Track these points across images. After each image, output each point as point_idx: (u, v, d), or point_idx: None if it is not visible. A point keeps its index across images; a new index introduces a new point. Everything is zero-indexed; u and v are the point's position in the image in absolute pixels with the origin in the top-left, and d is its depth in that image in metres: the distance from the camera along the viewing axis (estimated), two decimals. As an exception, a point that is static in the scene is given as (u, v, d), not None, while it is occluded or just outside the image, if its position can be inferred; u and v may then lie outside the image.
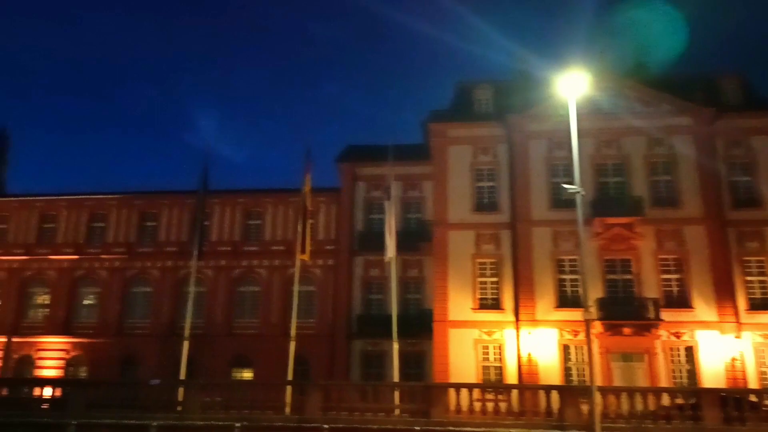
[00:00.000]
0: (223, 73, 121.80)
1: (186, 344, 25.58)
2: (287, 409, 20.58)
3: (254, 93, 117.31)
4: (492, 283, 31.96)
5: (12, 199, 41.20)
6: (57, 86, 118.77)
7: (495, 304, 31.47)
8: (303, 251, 26.12)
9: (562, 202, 30.31)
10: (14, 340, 34.43)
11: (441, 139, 34.47)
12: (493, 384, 29.34)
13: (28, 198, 40.46)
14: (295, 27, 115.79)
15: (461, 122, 34.72)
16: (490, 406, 20.03)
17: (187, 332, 26.10)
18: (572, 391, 20.93)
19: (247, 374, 34.53)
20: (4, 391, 23.73)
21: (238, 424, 19.60)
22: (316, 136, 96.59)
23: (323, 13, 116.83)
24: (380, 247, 26.86)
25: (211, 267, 36.40)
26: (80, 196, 39.69)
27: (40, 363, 36.46)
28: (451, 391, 20.12)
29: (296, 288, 26.38)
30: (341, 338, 34.56)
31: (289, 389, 21.29)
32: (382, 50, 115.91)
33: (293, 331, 24.82)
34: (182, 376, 25.14)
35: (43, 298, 38.81)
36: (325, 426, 19.30)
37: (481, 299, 31.67)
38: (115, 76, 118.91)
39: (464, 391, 20.16)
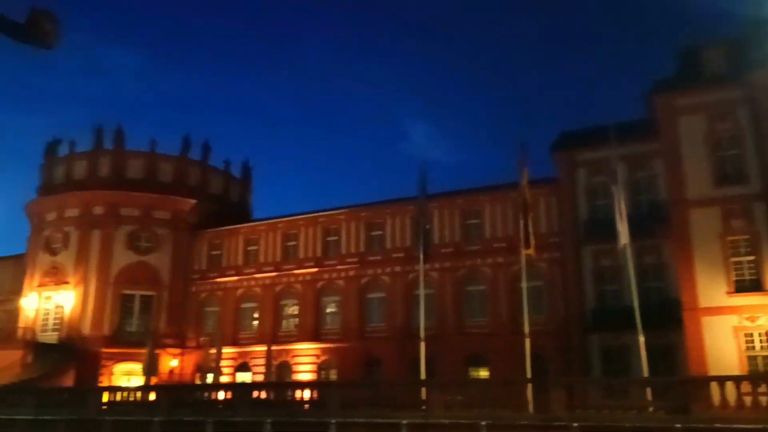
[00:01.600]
0: (425, 79, 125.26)
1: (422, 345, 26.42)
2: (530, 408, 20.17)
3: (458, 95, 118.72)
4: (748, 262, 28.29)
5: (259, 223, 46.32)
6: (280, 115, 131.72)
7: (755, 286, 27.77)
8: (527, 246, 25.55)
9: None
10: (273, 348, 38.43)
11: (669, 111, 31.41)
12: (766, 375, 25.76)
13: (272, 220, 45.10)
14: (489, 23, 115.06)
15: (691, 89, 31.36)
16: (763, 400, 17.63)
17: (422, 333, 26.96)
18: None
19: (483, 373, 34.62)
20: (271, 394, 26.65)
21: (483, 423, 19.63)
22: (527, 128, 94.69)
23: (518, 8, 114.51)
24: (609, 235, 25.23)
25: (437, 269, 37.21)
26: (315, 214, 43.27)
27: (296, 368, 40.33)
28: (714, 385, 18.10)
29: (524, 284, 25.85)
30: (576, 333, 33.09)
31: (530, 387, 20.86)
32: (583, 33, 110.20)
33: (527, 328, 24.31)
34: (422, 375, 25.96)
35: (293, 309, 42.93)
36: (575, 424, 18.51)
37: (737, 282, 28.18)
38: (329, 97, 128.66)
39: (730, 385, 18.01)
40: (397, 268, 39.04)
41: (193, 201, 46.74)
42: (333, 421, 22.26)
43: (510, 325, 33.71)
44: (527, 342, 23.95)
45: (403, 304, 38.34)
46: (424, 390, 22.99)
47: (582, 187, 34.92)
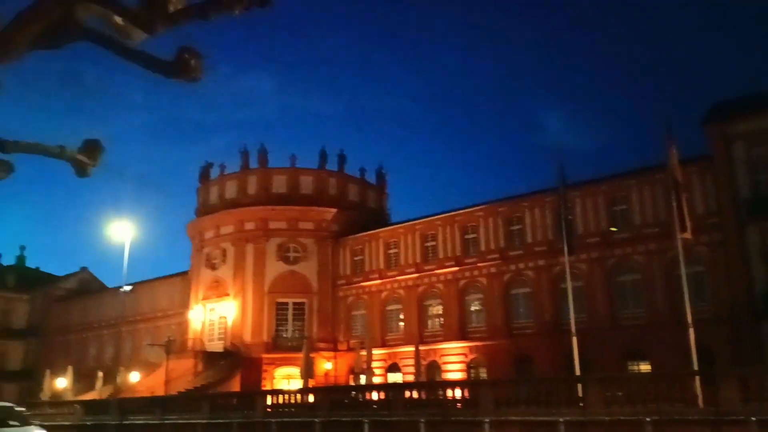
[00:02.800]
0: (555, 67, 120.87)
1: (575, 340, 25.45)
2: (699, 402, 18.72)
3: (592, 79, 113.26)
4: None
5: (398, 226, 47.12)
6: (412, 119, 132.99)
7: None
8: (683, 229, 23.76)
9: None
10: (421, 348, 38.84)
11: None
12: None
13: (410, 223, 45.69)
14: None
15: None
16: None
17: (572, 328, 25.98)
18: None
19: (644, 367, 32.66)
20: (423, 394, 26.91)
21: (648, 419, 18.49)
22: (670, 105, 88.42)
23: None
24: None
25: (583, 260, 35.71)
26: (452, 213, 43.23)
27: (445, 367, 40.47)
28: None
29: (683, 270, 24.07)
30: (745, 321, 30.31)
31: (697, 380, 19.37)
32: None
33: (689, 318, 22.63)
34: (576, 371, 25.00)
35: (437, 309, 43.15)
36: (753, 419, 16.91)
37: None
38: (460, 96, 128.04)
39: None
40: (541, 262, 37.97)
41: (334, 210, 48.55)
42: (486, 419, 22.00)
43: (669, 316, 31.54)
44: (691, 332, 22.27)
45: (550, 299, 37.20)
46: (580, 386, 22.10)
47: (740, 162, 31.95)
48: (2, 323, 68.17)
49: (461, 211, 42.80)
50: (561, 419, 20.20)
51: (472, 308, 41.65)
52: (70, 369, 51.05)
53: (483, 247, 41.09)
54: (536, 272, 38.39)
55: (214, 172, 52.77)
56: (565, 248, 27.40)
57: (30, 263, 76.72)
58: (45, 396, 47.40)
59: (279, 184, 49.81)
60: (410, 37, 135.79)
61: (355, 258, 47.62)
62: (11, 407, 19.75)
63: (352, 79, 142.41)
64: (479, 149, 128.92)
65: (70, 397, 45.27)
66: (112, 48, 3.52)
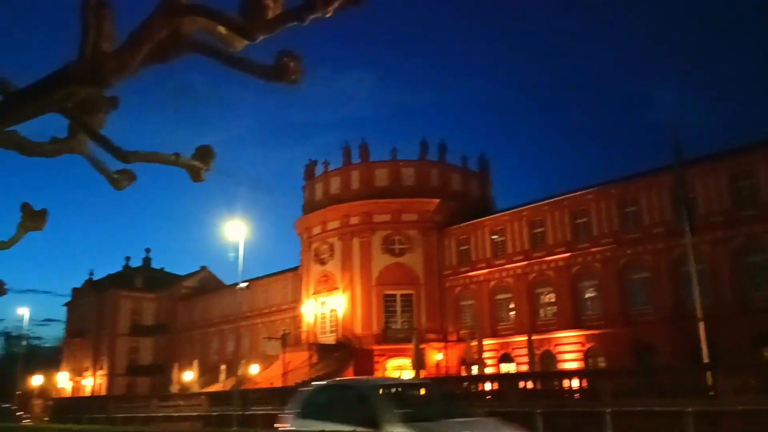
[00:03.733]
0: (665, 40, 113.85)
1: (701, 326, 23.91)
2: None
3: (706, 49, 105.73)
4: None
5: (503, 213, 46.19)
6: (515, 104, 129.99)
7: None
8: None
9: None
10: (534, 337, 37.94)
11: None
12: None
13: (516, 209, 44.62)
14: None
15: None
16: None
17: (699, 313, 24.41)
18: None
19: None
20: (538, 384, 26.25)
21: (788, 411, 17.04)
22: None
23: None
24: None
25: (707, 241, 33.35)
26: (560, 197, 41.80)
27: (560, 356, 39.31)
28: None
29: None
30: None
31: None
32: None
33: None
34: (705, 359, 23.48)
35: (549, 297, 41.98)
36: None
37: None
38: (564, 79, 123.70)
39: None
40: (659, 245, 35.92)
41: (437, 201, 48.36)
42: (607, 410, 21.14)
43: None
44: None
45: (671, 283, 35.16)
46: (709, 375, 20.73)
47: None
48: (134, 322, 73.54)
49: (570, 195, 41.30)
50: (688, 409, 19.04)
51: (587, 295, 40.16)
52: (195, 363, 54.33)
53: (595, 232, 39.46)
54: (654, 256, 36.38)
55: (319, 170, 54.08)
56: (687, 229, 25.75)
57: (155, 264, 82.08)
58: (174, 389, 50.68)
59: (381, 177, 50.25)
60: (505, 22, 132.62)
61: (461, 248, 47.22)
62: (438, 386, 15.98)
63: (449, 70, 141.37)
64: (585, 131, 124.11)
65: (196, 389, 48.17)
66: (217, 57, 3.62)
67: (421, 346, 39.41)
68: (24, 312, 66.75)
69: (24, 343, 76.25)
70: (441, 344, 45.44)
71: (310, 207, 53.57)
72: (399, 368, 43.70)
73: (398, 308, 47.49)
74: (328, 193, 52.29)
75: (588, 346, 38.42)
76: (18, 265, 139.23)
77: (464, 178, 52.61)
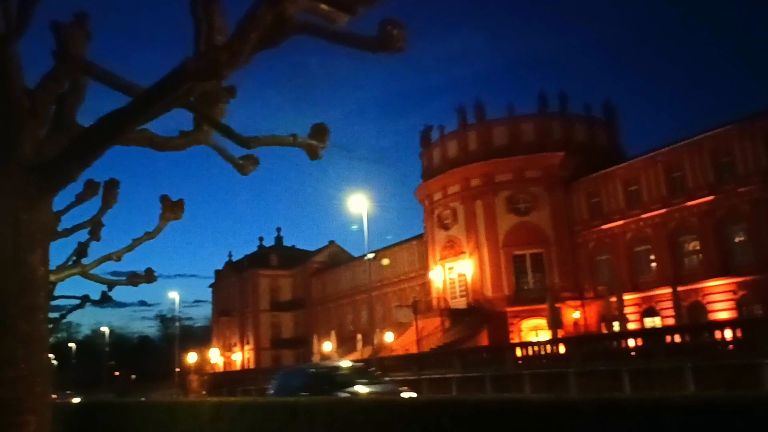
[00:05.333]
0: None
1: None
2: None
3: None
4: None
5: (635, 160, 43.32)
6: (635, 45, 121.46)
7: None
8: None
9: None
10: (679, 288, 35.74)
11: None
12: None
13: (650, 155, 41.57)
14: None
15: None
16: None
17: None
18: None
19: None
20: (687, 338, 24.69)
21: None
22: None
23: None
24: None
25: None
26: (698, 137, 38.50)
27: (710, 307, 36.76)
28: None
29: None
30: None
31: None
32: None
33: None
34: None
35: (693, 245, 39.27)
36: None
37: None
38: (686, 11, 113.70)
39: None
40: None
41: (561, 154, 46.48)
42: (766, 361, 19.55)
43: None
44: None
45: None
46: None
47: None
48: (273, 298, 77.77)
49: (710, 134, 37.95)
50: None
51: (736, 240, 37.15)
52: (333, 334, 56.62)
53: (741, 171, 36.19)
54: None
55: (435, 135, 53.70)
56: None
57: (287, 242, 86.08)
58: (316, 359, 53.16)
59: (500, 135, 49.01)
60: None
61: (591, 201, 45.20)
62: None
63: (561, 16, 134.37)
64: (715, 66, 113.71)
65: (336, 358, 50.20)
66: (322, 35, 3.62)
67: (556, 305, 38.42)
68: (174, 295, 72.81)
69: (177, 324, 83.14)
70: (577, 302, 44.02)
71: (429, 173, 53.48)
72: (534, 329, 43.00)
73: (528, 268, 46.54)
74: (446, 157, 51.87)
75: (740, 294, 35.63)
76: (165, 253, 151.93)
77: (589, 128, 50.08)
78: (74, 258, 14.07)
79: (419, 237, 57.21)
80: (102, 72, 4.80)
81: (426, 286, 53.82)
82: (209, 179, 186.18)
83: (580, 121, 49.69)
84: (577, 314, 43.62)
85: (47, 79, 4.56)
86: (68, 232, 12.59)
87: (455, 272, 49.76)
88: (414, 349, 40.97)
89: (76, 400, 28.88)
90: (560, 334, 36.89)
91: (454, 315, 45.99)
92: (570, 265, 45.25)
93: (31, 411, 4.12)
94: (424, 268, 54.13)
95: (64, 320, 17.26)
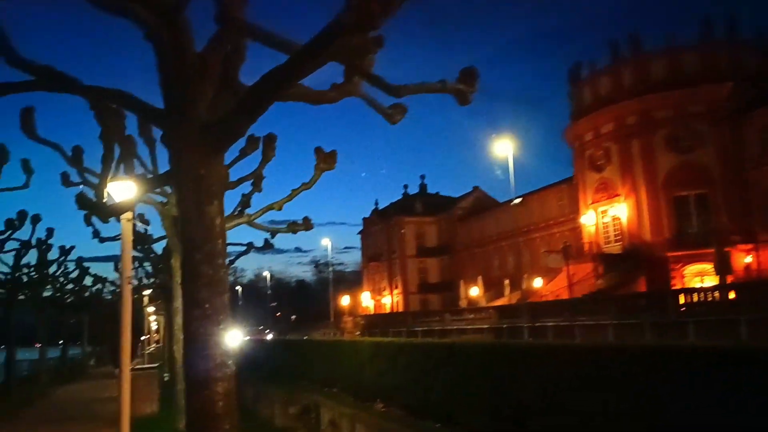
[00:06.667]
0: None
1: None
2: None
3: None
4: None
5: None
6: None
7: None
8: None
9: None
10: None
11: None
12: None
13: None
14: None
15: None
16: None
17: None
18: None
19: None
20: None
21: None
22: None
23: None
24: None
25: None
26: None
27: None
28: None
29: None
30: None
31: None
32: None
33: None
34: None
35: None
36: None
37: None
38: None
39: None
40: None
41: (729, 84, 42.08)
42: None
43: None
44: None
45: None
46: None
47: None
48: (418, 244, 79.31)
49: None
50: None
51: None
52: (479, 279, 56.79)
53: None
54: None
55: (585, 73, 50.84)
56: None
57: (430, 189, 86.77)
58: (463, 304, 53.81)
59: (658, 68, 45.24)
60: None
61: (766, 135, 40.72)
62: None
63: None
64: None
65: (483, 303, 50.47)
66: None
67: (726, 249, 35.56)
68: (327, 242, 76.71)
69: (330, 269, 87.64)
70: (749, 246, 40.34)
71: (579, 113, 50.92)
72: (699, 275, 40.20)
73: (692, 210, 43.28)
74: (597, 95, 49.00)
75: None
76: (316, 202, 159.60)
77: (762, 55, 44.73)
78: (239, 209, 15.27)
79: (569, 180, 55.11)
80: (260, 32, 5.04)
81: (577, 230, 52.02)
82: (354, 130, 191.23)
83: (750, 47, 44.55)
84: (748, 259, 40.07)
85: (213, 42, 4.86)
86: (234, 185, 13.63)
87: (609, 216, 47.57)
88: (564, 295, 40.09)
89: (269, 337, 32.26)
90: (729, 279, 34.20)
91: (608, 260, 44.16)
92: (740, 206, 41.40)
93: (216, 345, 4.59)
94: (575, 212, 52.21)
95: (232, 265, 18.98)
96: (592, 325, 31.02)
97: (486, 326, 38.27)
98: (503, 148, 35.89)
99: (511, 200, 44.07)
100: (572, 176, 53.49)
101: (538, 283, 48.39)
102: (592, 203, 48.70)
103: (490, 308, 42.84)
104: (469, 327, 40.02)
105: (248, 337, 41.47)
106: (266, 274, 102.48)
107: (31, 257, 25.04)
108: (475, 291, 55.80)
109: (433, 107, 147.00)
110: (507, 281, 53.24)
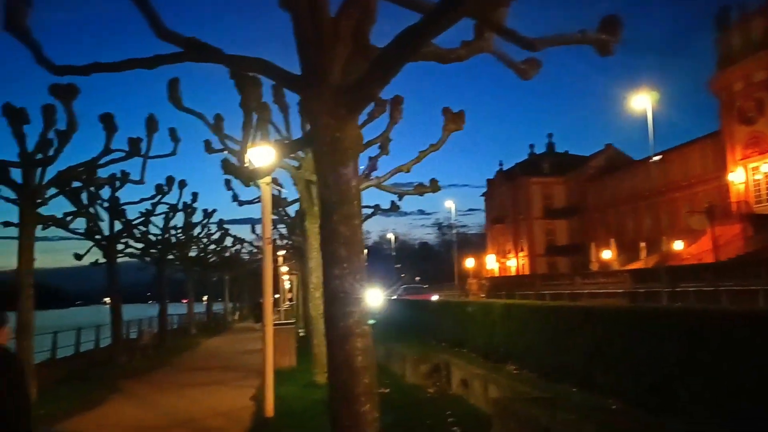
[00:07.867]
0: None
1: None
2: None
3: None
4: None
5: None
6: None
7: None
8: None
9: None
10: None
11: None
12: None
13: None
14: None
15: None
16: None
17: None
18: None
19: None
20: None
21: None
22: None
23: None
24: None
25: None
26: None
27: None
28: None
29: None
30: None
31: None
32: None
33: None
34: None
35: None
36: None
37: None
38: None
39: None
40: None
41: None
42: None
43: None
44: None
45: None
46: None
47: None
48: (545, 205, 77.01)
49: None
50: None
51: None
52: (612, 241, 54.32)
53: None
54: None
55: (734, 16, 46.26)
56: None
57: (558, 149, 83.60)
58: (594, 267, 51.84)
59: (822, 6, 40.32)
60: None
61: None
62: None
63: None
64: None
65: (616, 267, 48.33)
66: None
67: None
68: (450, 204, 76.41)
69: (454, 231, 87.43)
70: None
71: (727, 60, 46.55)
72: None
73: None
74: (748, 40, 44.48)
75: None
76: (439, 164, 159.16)
77: None
78: (366, 171, 15.56)
79: (713, 135, 50.87)
80: (391, -9, 5.01)
81: (723, 189, 48.07)
82: (477, 89, 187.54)
83: None
84: None
85: (345, 5, 4.88)
86: (363, 147, 13.86)
87: (761, 173, 43.55)
88: (708, 259, 37.42)
89: (435, 297, 33.08)
90: None
91: (758, 221, 40.56)
92: None
93: (355, 303, 4.74)
94: (720, 169, 48.21)
95: (361, 227, 19.65)
96: (740, 291, 28.84)
97: (620, 290, 36.70)
98: (640, 102, 33.57)
99: (649, 157, 41.27)
100: (718, 130, 49.30)
101: (678, 245, 45.45)
102: (742, 159, 44.76)
103: (625, 272, 40.98)
104: (601, 291, 38.57)
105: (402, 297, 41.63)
106: (390, 236, 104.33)
107: (178, 220, 27.26)
108: (607, 254, 53.51)
109: (563, 62, 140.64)
110: (643, 244, 50.51)
